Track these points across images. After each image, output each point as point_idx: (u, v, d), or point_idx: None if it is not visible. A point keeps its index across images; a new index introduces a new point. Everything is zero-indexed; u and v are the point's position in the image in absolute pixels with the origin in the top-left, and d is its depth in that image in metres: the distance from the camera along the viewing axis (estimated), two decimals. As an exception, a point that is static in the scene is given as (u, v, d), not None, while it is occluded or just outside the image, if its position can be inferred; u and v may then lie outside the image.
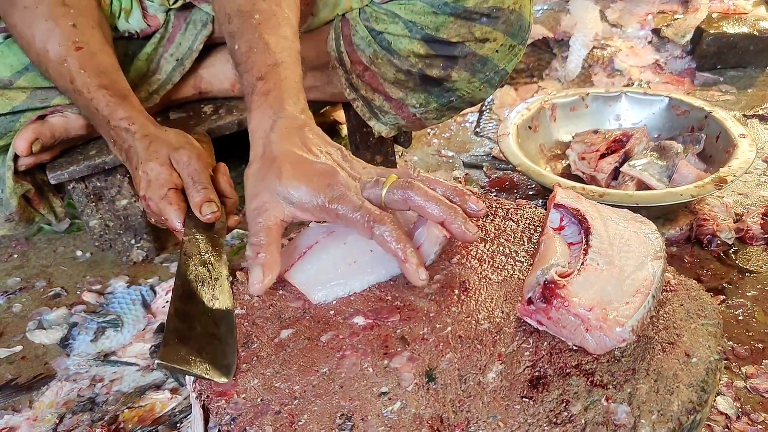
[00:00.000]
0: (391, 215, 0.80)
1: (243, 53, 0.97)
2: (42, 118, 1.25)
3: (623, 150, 1.48)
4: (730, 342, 1.10)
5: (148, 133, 1.06)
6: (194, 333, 0.78)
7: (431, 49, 1.27)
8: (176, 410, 1.06)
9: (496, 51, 1.30)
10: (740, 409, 0.99)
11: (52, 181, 1.30)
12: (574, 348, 0.73)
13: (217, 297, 0.84)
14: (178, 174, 1.01)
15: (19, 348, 1.25)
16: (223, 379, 0.74)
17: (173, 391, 1.10)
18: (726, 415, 0.98)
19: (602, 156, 1.49)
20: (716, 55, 2.12)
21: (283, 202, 0.83)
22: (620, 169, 1.45)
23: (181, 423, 1.04)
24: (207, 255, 0.91)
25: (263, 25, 0.98)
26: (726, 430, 0.96)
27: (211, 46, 1.41)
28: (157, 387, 1.12)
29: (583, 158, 1.51)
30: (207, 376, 0.73)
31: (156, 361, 0.74)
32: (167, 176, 1.00)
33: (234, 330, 0.80)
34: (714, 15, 2.19)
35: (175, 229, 0.98)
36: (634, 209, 1.27)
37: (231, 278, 0.89)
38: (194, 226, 0.96)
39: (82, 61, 1.12)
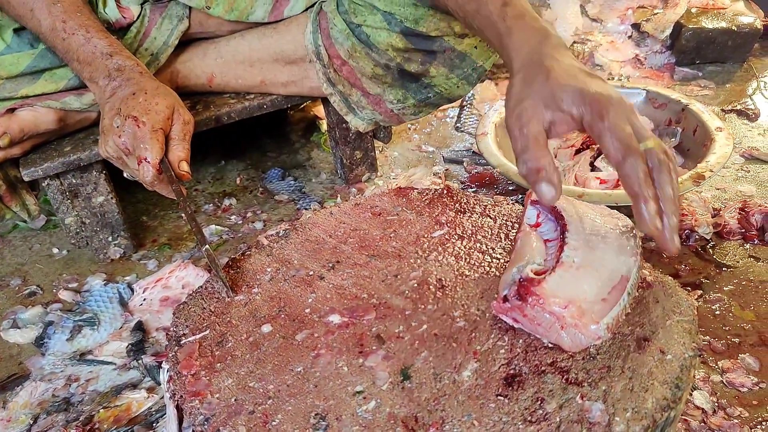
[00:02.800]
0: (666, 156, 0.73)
1: None
2: (11, 111, 1.23)
3: (597, 145, 1.49)
4: (707, 336, 1.11)
5: (155, 80, 1.15)
6: None
7: (410, 42, 1.27)
8: (152, 410, 1.05)
9: (475, 47, 1.29)
10: (716, 404, 0.99)
11: (26, 178, 1.28)
12: (550, 345, 0.73)
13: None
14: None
15: (-7, 347, 1.24)
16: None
17: (149, 390, 1.09)
18: (702, 409, 0.99)
19: (578, 151, 1.50)
20: (695, 50, 2.13)
21: (545, 108, 0.76)
22: (594, 164, 1.45)
23: (158, 422, 1.03)
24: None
25: None
26: (702, 424, 0.96)
27: (187, 42, 1.40)
28: (134, 386, 1.11)
29: (555, 155, 1.52)
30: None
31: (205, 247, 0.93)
32: (167, 116, 1.08)
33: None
34: (693, 10, 2.20)
35: (146, 162, 1.03)
36: (613, 208, 1.28)
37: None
38: (164, 172, 1.06)
39: (76, 6, 1.17)
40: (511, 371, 0.71)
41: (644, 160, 0.71)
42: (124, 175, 1.15)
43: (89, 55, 1.13)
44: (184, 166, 1.07)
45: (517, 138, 0.76)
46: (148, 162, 1.03)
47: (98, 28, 1.16)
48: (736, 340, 1.10)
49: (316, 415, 0.68)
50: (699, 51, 2.13)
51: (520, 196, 1.50)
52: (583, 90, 0.75)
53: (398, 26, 1.25)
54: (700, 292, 1.21)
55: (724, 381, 1.03)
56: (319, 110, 1.96)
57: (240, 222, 1.56)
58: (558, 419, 0.65)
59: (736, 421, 0.96)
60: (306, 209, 1.56)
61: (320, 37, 1.32)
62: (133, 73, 1.13)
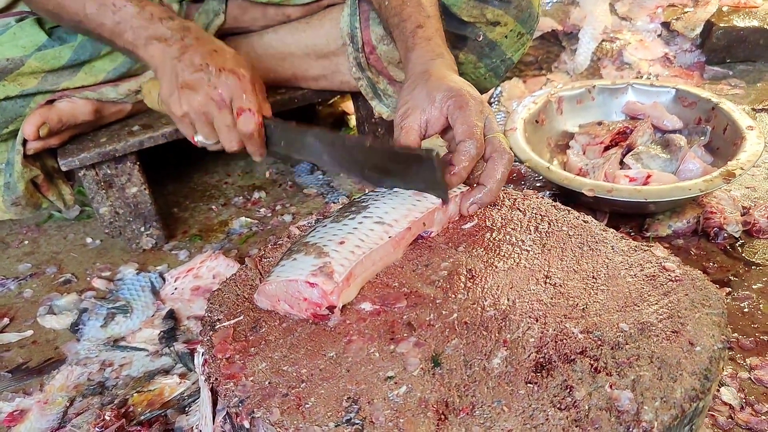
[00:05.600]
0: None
1: (396, 5, 1.13)
2: (50, 103, 1.26)
3: (626, 142, 1.49)
4: (735, 334, 1.11)
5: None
6: None
7: (443, 24, 1.28)
8: (185, 394, 1.07)
9: (506, 36, 1.31)
10: (744, 400, 0.99)
11: (63, 168, 1.31)
12: (579, 335, 0.74)
13: None
14: None
15: (30, 333, 1.27)
16: None
17: (181, 376, 1.11)
18: (730, 405, 0.99)
19: (606, 148, 1.50)
20: (726, 48, 2.11)
21: (423, 109, 0.96)
22: (623, 160, 1.45)
23: (189, 407, 1.05)
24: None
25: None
26: (730, 420, 0.96)
27: (220, 37, 1.42)
28: (166, 372, 1.14)
29: (584, 152, 1.52)
30: None
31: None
32: (257, 74, 1.10)
33: None
34: (724, 8, 2.18)
35: (249, 112, 1.04)
36: (643, 204, 1.29)
37: None
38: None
39: None
40: (541, 359, 0.72)
41: (480, 146, 0.92)
42: (195, 139, 1.12)
43: (146, 20, 1.10)
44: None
45: (397, 129, 0.97)
46: (252, 112, 1.04)
47: (148, 0, 1.14)
48: (765, 337, 1.10)
49: (348, 398, 0.70)
50: (730, 50, 2.11)
51: (548, 192, 1.51)
52: (451, 88, 0.96)
53: None
54: (728, 289, 1.20)
55: (752, 378, 1.03)
56: (348, 106, 1.97)
57: (269, 215, 1.58)
58: (587, 407, 0.66)
59: (763, 417, 0.96)
60: (334, 203, 1.58)
61: (358, 20, 1.33)
62: (201, 33, 1.12)
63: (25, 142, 1.26)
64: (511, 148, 0.96)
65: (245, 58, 1.11)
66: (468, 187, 0.97)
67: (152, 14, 1.10)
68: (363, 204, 0.92)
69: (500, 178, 0.94)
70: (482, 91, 1.42)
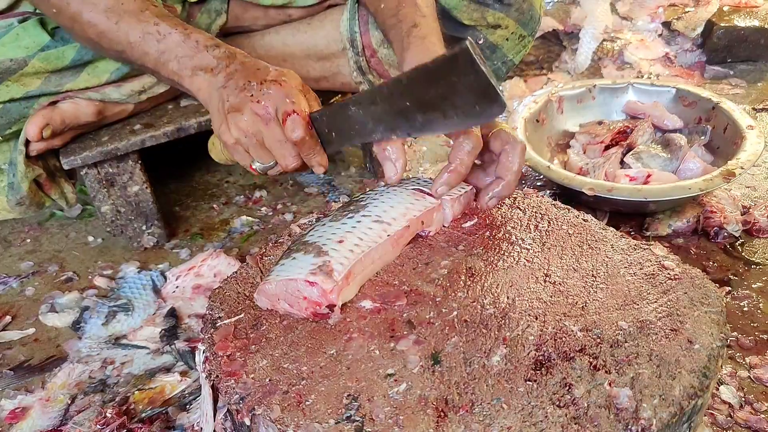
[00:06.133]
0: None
1: (392, 7, 1.12)
2: (53, 104, 1.26)
3: (626, 141, 1.49)
4: (735, 333, 1.11)
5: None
6: None
7: (443, 28, 1.28)
8: (186, 392, 1.08)
9: (507, 39, 1.31)
10: (743, 399, 1.00)
11: (65, 166, 1.31)
12: (579, 333, 0.74)
13: None
14: None
15: (32, 330, 1.27)
16: None
17: (183, 373, 1.12)
18: (729, 404, 0.99)
19: (606, 147, 1.50)
20: (727, 48, 2.12)
21: None
22: (623, 160, 1.46)
23: (191, 405, 1.05)
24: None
25: None
26: (729, 419, 0.97)
27: (221, 37, 1.42)
28: (167, 370, 1.14)
29: (584, 151, 1.53)
30: None
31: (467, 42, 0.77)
32: (303, 83, 1.02)
33: None
34: (725, 8, 2.18)
35: (295, 114, 0.94)
36: (643, 203, 1.29)
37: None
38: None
39: (164, 11, 1.10)
40: (540, 357, 0.72)
41: (476, 141, 0.90)
42: (254, 166, 1.02)
43: (191, 49, 1.06)
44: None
45: None
46: (297, 113, 0.94)
47: (192, 27, 1.09)
48: (764, 336, 1.10)
49: (348, 396, 0.70)
50: (730, 49, 2.11)
51: (549, 192, 1.51)
52: None
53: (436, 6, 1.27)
54: (728, 288, 1.21)
55: (752, 376, 1.04)
56: (349, 105, 1.98)
57: (270, 213, 1.58)
58: (586, 404, 0.66)
59: (762, 416, 0.97)
60: (335, 202, 1.58)
61: (357, 24, 1.33)
62: (247, 58, 1.06)
63: (28, 142, 1.27)
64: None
65: (290, 69, 1.04)
66: (471, 187, 0.97)
67: (197, 42, 1.06)
68: (362, 203, 0.92)
69: (516, 169, 0.93)
70: None
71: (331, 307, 0.79)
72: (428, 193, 0.94)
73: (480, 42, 1.31)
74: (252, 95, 0.96)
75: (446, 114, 0.83)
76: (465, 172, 0.91)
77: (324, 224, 0.90)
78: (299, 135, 0.94)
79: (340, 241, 0.84)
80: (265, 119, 0.95)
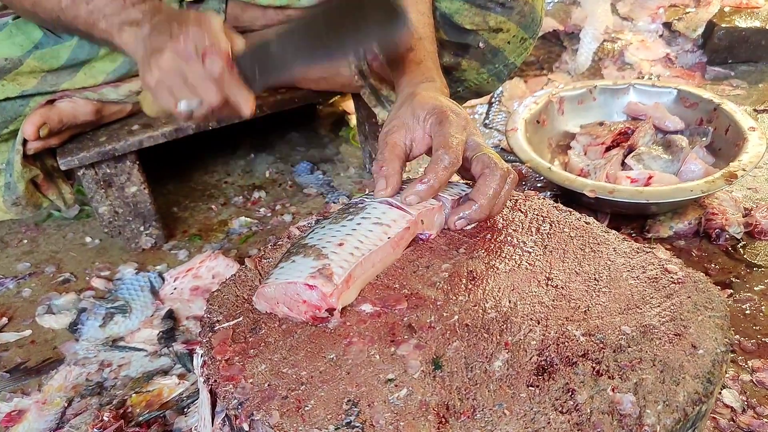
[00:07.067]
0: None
1: None
2: (51, 103, 1.26)
3: (628, 143, 1.48)
4: (737, 336, 1.10)
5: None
6: None
7: (444, 33, 1.28)
8: (183, 395, 1.07)
9: (508, 42, 1.30)
10: (746, 403, 0.99)
11: (62, 167, 1.30)
12: (581, 337, 0.73)
13: None
14: None
15: (28, 332, 1.26)
16: None
17: (180, 376, 1.11)
18: (732, 408, 0.98)
19: (608, 149, 1.49)
20: (728, 49, 2.11)
21: (408, 128, 0.94)
22: (624, 161, 1.45)
23: (188, 408, 1.05)
24: None
25: (405, 2, 1.08)
26: (731, 422, 0.96)
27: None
28: (165, 372, 1.13)
29: (585, 152, 1.52)
30: None
31: None
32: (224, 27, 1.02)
33: None
34: (726, 9, 2.18)
35: (213, 53, 0.95)
36: (645, 205, 1.28)
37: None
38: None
39: None
40: (543, 362, 0.71)
41: (455, 156, 0.89)
42: (179, 109, 1.01)
43: (118, 6, 1.06)
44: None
45: (381, 144, 0.95)
46: (216, 50, 0.95)
47: None
48: (767, 339, 1.10)
49: (348, 401, 0.69)
50: (731, 50, 2.11)
51: (549, 193, 1.50)
52: (435, 106, 0.94)
53: (436, 12, 1.26)
54: (730, 291, 1.20)
55: (754, 380, 1.03)
56: (348, 105, 1.97)
57: (269, 214, 1.58)
58: (589, 410, 0.66)
59: (765, 420, 0.96)
60: (334, 203, 1.57)
61: None
62: (172, 10, 1.06)
63: (25, 142, 1.26)
64: (509, 165, 0.91)
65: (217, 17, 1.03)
66: (471, 188, 0.96)
67: (124, 1, 1.06)
68: (360, 205, 0.91)
69: (491, 195, 0.89)
70: (484, 94, 1.41)
71: (330, 310, 0.79)
72: None
73: (482, 46, 1.30)
74: (172, 36, 0.97)
75: (360, 31, 0.92)
76: (438, 187, 0.89)
77: (323, 226, 0.89)
78: (218, 70, 0.95)
79: (340, 244, 0.83)
80: (185, 57, 0.96)
